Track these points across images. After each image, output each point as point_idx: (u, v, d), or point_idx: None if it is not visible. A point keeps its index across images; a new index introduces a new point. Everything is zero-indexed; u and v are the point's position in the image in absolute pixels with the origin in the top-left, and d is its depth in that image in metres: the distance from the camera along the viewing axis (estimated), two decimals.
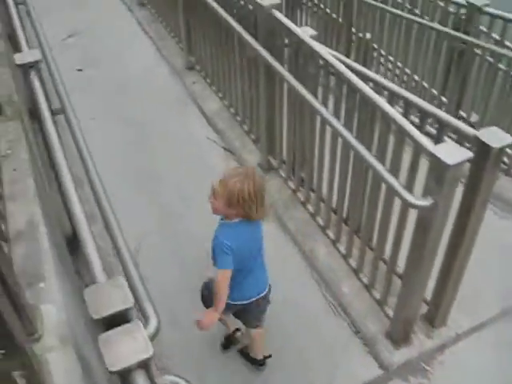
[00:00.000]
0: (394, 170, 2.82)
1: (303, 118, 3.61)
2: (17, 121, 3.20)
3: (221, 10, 4.28)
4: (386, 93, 3.25)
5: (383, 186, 2.93)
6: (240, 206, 2.54)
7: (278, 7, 3.64)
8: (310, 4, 7.46)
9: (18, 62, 2.98)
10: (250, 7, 3.93)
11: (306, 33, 3.51)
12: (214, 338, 3.39)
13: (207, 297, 2.98)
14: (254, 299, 2.86)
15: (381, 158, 2.91)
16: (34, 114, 3.93)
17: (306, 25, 7.64)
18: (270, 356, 3.27)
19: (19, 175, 2.52)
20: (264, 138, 4.21)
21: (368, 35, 6.63)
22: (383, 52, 6.49)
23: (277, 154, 4.21)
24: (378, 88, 3.17)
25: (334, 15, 6.95)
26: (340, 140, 3.23)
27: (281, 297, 3.59)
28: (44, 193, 2.90)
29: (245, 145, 4.66)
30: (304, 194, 3.96)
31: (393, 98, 3.05)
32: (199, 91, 5.43)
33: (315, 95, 3.40)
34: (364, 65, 6.63)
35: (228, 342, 3.38)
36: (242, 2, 4.09)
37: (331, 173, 3.52)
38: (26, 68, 2.99)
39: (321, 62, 3.32)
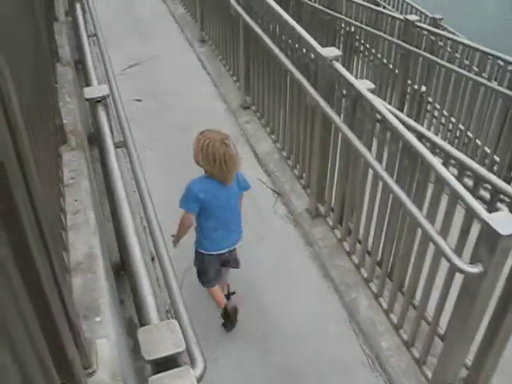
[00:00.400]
0: (444, 232, 2.82)
1: (356, 169, 3.65)
2: (80, 150, 3.33)
3: (282, 56, 4.38)
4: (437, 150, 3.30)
5: (431, 246, 2.94)
6: (204, 160, 3.13)
7: (339, 58, 3.71)
8: (366, 53, 7.57)
9: (86, 96, 3.10)
10: (312, 56, 4.01)
11: (364, 85, 3.58)
12: (252, 377, 3.43)
13: (199, 270, 3.56)
14: (226, 250, 3.44)
15: (431, 217, 2.93)
16: (93, 140, 4.07)
17: (362, 72, 7.76)
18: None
19: (80, 206, 2.62)
20: (314, 184, 4.26)
21: (423, 88, 6.69)
22: (437, 106, 6.53)
23: (326, 201, 4.25)
24: (434, 148, 3.21)
25: (391, 66, 7.04)
26: (391, 195, 3.26)
27: (316, 344, 3.61)
28: (100, 222, 3.00)
29: (294, 189, 4.71)
30: (350, 244, 3.98)
31: (448, 159, 3.08)
32: (252, 131, 5.53)
33: (369, 149, 3.44)
34: (417, 116, 6.71)
35: (226, 318, 3.61)
36: (304, 50, 4.18)
37: (379, 226, 3.53)
38: (94, 102, 3.11)
39: (378, 116, 3.37)
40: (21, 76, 2.04)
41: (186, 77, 6.80)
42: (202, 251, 3.43)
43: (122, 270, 3.33)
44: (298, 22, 4.36)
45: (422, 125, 6.69)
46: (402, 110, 7.01)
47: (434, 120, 6.68)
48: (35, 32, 3.24)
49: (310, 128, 4.20)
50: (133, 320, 2.96)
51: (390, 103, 7.06)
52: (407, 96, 6.97)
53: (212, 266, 3.50)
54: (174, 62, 7.11)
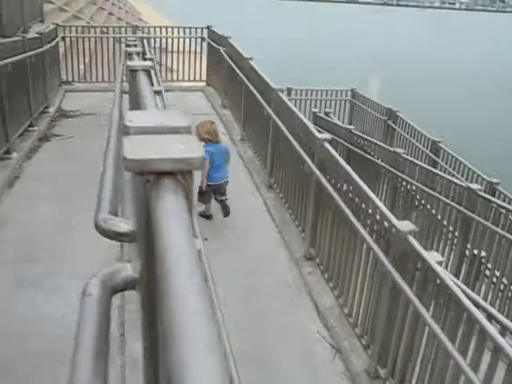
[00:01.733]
0: None
1: (421, 338, 3.74)
2: None
3: (354, 220, 4.61)
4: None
5: None
6: (206, 134, 6.48)
7: (413, 232, 3.89)
8: (426, 212, 7.79)
9: None
10: (386, 224, 4.20)
11: (433, 257, 3.75)
12: None
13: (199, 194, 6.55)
14: (219, 182, 6.66)
15: None
16: None
17: (421, 227, 7.92)
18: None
19: None
20: (376, 347, 4.31)
21: (483, 253, 6.80)
22: (497, 273, 6.60)
23: (387, 364, 4.28)
24: (504, 330, 3.30)
25: (451, 228, 7.21)
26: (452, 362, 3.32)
27: None
28: None
29: (354, 347, 4.75)
30: None
31: None
32: (314, 283, 5.66)
33: (439, 320, 3.55)
34: (475, 280, 6.76)
35: (205, 216, 6.84)
36: (378, 217, 4.37)
37: None
38: None
39: (447, 290, 3.51)
40: None
41: (251, 221, 7.08)
42: (207, 183, 6.47)
43: None
44: (361, 174, 4.60)
45: (480, 289, 6.76)
46: (459, 271, 7.10)
47: (492, 285, 6.73)
48: None
49: (376, 292, 4.33)
50: None
51: (447, 262, 7.16)
52: (465, 258, 7.08)
53: (208, 192, 6.59)
54: (240, 207, 7.39)
